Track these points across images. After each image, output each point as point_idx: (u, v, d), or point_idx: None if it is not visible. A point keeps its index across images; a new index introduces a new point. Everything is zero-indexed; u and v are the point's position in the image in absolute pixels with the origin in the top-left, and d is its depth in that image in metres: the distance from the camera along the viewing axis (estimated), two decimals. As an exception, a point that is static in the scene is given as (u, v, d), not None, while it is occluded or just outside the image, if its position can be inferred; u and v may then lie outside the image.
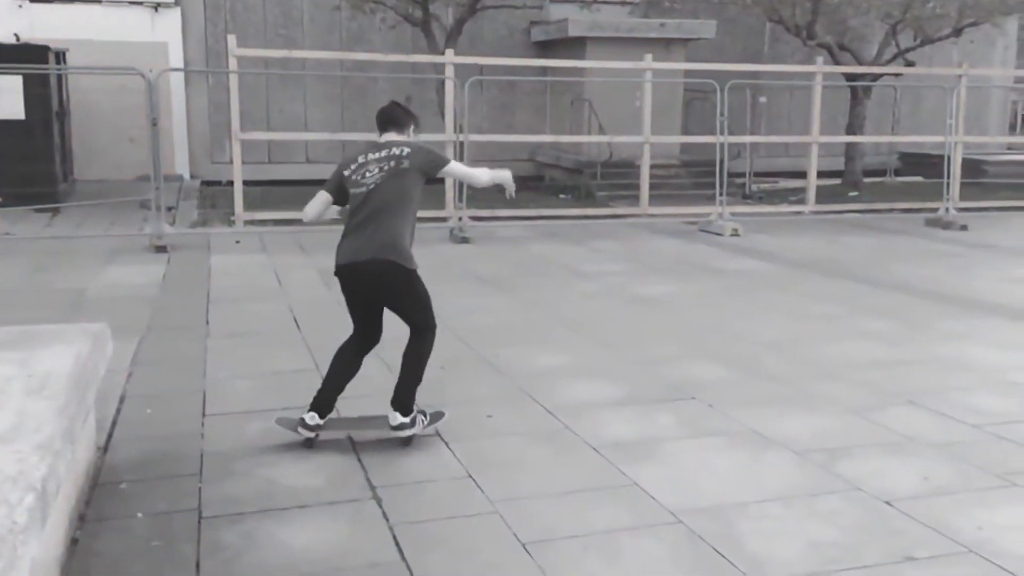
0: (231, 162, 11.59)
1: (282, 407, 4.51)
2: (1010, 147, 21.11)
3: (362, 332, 4.28)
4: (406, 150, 4.16)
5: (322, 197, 4.28)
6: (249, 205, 11.56)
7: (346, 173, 4.19)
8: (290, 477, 3.84)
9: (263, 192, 12.94)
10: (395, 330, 4.28)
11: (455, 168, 4.36)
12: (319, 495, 3.68)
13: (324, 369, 4.36)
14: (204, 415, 4.61)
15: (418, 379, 4.25)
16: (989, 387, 5.17)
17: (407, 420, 4.16)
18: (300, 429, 4.14)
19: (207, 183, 15.81)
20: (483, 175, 4.40)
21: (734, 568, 3.12)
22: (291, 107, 16.95)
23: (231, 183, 11.60)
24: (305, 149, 17.01)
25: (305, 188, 16.76)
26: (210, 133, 16.59)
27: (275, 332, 6.29)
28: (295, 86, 16.79)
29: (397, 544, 3.27)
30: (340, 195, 4.25)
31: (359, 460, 4.04)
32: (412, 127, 4.38)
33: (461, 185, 11.03)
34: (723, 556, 3.20)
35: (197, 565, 3.13)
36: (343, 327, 4.27)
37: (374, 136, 4.37)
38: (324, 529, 3.39)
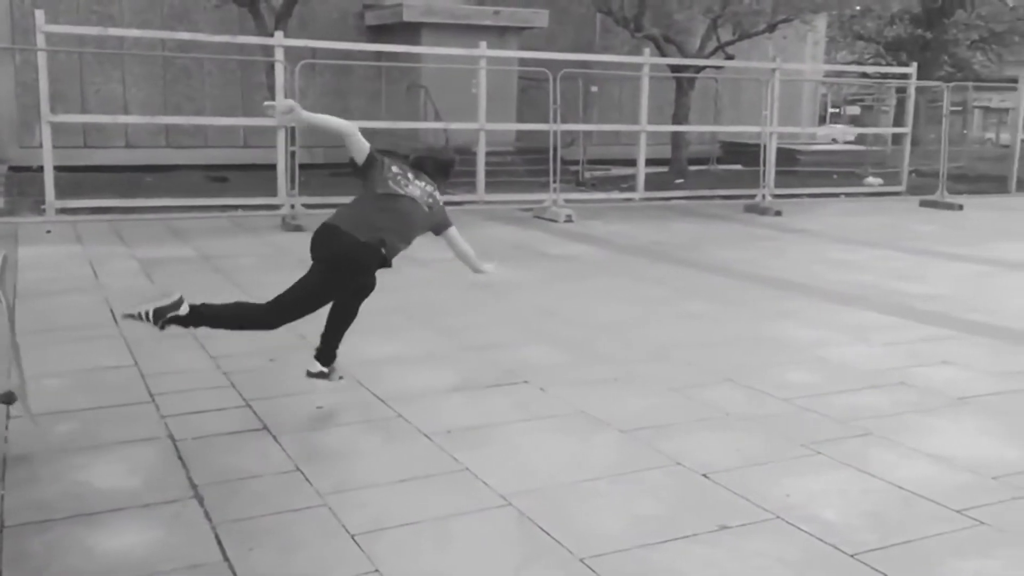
0: (41, 146, 10.81)
1: (96, 406, 4.26)
2: (819, 137, 22.63)
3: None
4: (440, 199, 4.54)
5: (364, 142, 4.30)
6: (62, 192, 10.80)
7: (387, 161, 4.36)
8: (104, 479, 3.63)
9: (78, 178, 12.16)
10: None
11: (457, 233, 4.65)
12: (136, 497, 3.49)
13: (143, 366, 4.16)
14: (8, 417, 4.28)
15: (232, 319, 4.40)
16: (799, 363, 5.51)
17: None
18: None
19: (15, 169, 14.68)
20: (474, 258, 4.80)
21: (561, 546, 3.19)
22: (108, 88, 15.98)
23: (41, 169, 10.82)
24: (125, 133, 16.10)
25: (126, 174, 15.79)
26: (18, 115, 15.43)
27: (90, 327, 5.93)
28: (113, 66, 15.84)
29: (220, 544, 3.15)
30: (370, 158, 4.31)
31: (180, 458, 3.87)
32: (436, 186, 4.54)
33: (293, 170, 10.75)
34: (551, 535, 3.26)
35: (-2, 578, 2.92)
36: (162, 320, 4.07)
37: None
38: (141, 532, 3.22)
